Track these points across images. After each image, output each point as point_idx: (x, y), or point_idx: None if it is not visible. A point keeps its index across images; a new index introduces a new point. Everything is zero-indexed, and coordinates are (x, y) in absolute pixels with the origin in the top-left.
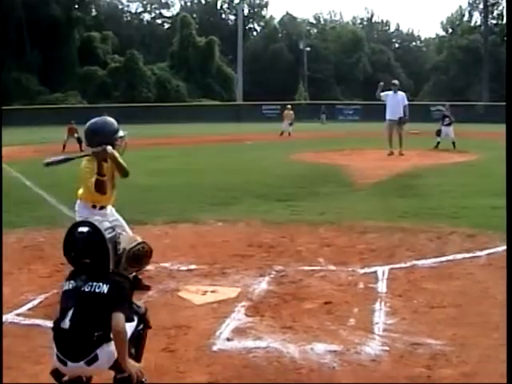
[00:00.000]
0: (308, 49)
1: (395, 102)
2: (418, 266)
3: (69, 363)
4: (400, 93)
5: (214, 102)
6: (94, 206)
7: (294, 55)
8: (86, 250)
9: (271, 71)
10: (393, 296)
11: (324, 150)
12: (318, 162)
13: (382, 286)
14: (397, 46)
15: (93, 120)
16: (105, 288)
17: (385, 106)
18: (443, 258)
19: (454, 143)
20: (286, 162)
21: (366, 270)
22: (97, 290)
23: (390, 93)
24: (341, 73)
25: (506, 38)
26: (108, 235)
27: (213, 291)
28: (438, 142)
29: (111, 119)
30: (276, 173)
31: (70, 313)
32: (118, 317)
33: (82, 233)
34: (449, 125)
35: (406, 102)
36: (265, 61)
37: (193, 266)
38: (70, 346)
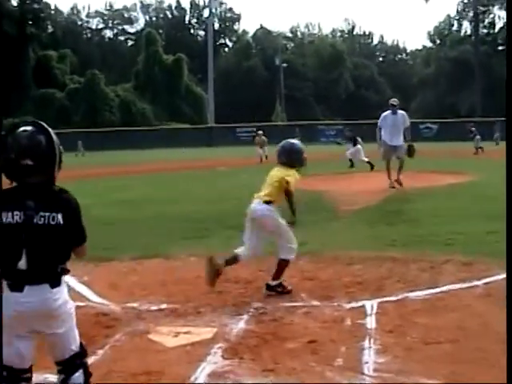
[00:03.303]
0: (284, 65)
1: (395, 123)
2: (410, 299)
3: (27, 287)
4: (400, 112)
5: (183, 125)
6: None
7: (270, 72)
8: (31, 148)
9: (245, 90)
10: (383, 332)
11: (304, 175)
12: (297, 188)
13: (371, 322)
14: (381, 59)
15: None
16: (60, 218)
17: (374, 126)
18: (437, 290)
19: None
20: None
21: (353, 304)
22: (52, 223)
23: (388, 113)
24: (321, 90)
25: (506, 37)
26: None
27: (186, 332)
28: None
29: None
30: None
31: (25, 251)
32: (83, 250)
33: (26, 131)
34: (355, 145)
35: (408, 123)
36: (238, 79)
37: (164, 306)
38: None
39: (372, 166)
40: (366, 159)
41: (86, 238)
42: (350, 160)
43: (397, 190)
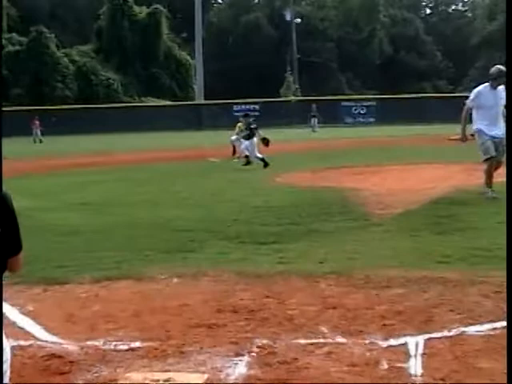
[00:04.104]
0: (298, 21)
1: (496, 103)
2: (469, 335)
3: None
4: (501, 88)
5: (162, 101)
6: None
7: (278, 30)
8: None
9: (245, 55)
10: (433, 380)
11: (324, 167)
12: (315, 185)
13: (415, 366)
14: (428, 11)
15: None
16: None
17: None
18: (504, 323)
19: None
20: (269, 188)
21: (392, 341)
22: None
23: (486, 88)
24: (346, 54)
25: (506, 37)
26: None
27: (167, 380)
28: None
29: None
30: (255, 203)
31: None
32: (18, 261)
33: None
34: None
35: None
36: (235, 40)
37: (137, 344)
38: None
39: (265, 164)
40: (260, 155)
41: (22, 246)
42: (246, 156)
43: (450, 189)
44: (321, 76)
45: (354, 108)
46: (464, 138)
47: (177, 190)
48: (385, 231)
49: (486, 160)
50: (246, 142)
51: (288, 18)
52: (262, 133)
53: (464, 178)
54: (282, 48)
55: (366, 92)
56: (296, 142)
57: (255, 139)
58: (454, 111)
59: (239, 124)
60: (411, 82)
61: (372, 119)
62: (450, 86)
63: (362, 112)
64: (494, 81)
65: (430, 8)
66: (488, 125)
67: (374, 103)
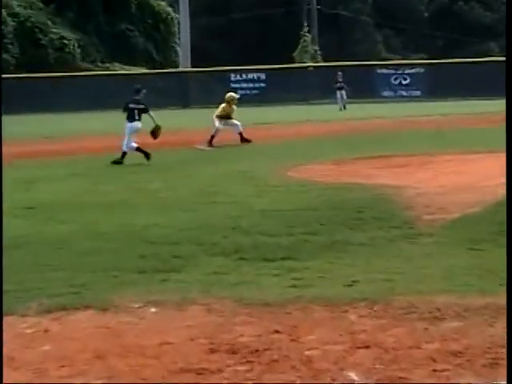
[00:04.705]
0: None
1: None
2: None
3: None
4: None
5: (135, 69)
6: None
7: None
8: None
9: (246, 5)
10: None
11: (353, 158)
12: (341, 181)
13: None
14: None
15: None
16: None
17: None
18: None
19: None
20: (279, 185)
21: None
22: None
23: None
24: (384, 5)
25: (506, 37)
26: None
27: None
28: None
29: None
30: (260, 206)
31: None
32: None
33: None
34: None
35: None
36: None
37: None
38: None
39: (147, 155)
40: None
41: None
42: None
43: None
44: (349, 34)
45: (393, 77)
46: None
47: (154, 189)
48: (435, 243)
49: None
50: (128, 125)
51: None
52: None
53: None
54: None
55: (411, 56)
56: (315, 123)
57: (139, 124)
58: None
59: (223, 105)
60: (472, 41)
61: (418, 92)
62: None
63: (404, 82)
64: None
65: None
66: None
67: (421, 70)
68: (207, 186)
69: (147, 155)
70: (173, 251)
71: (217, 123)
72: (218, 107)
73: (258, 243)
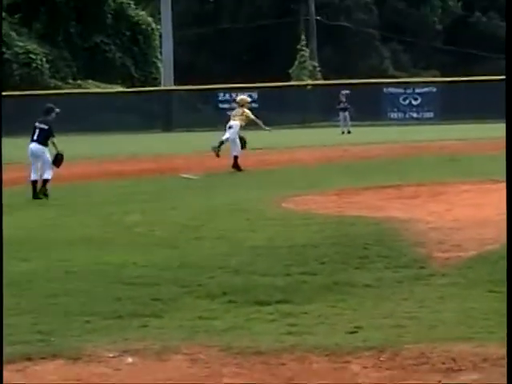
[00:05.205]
0: None
1: None
2: None
3: None
4: None
5: (112, 87)
6: None
7: None
8: None
9: (236, 16)
10: None
11: (357, 187)
12: (343, 214)
13: None
14: None
15: None
16: None
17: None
18: None
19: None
20: (273, 218)
21: None
22: None
23: None
24: (392, 17)
25: (506, 37)
26: None
27: None
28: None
29: None
30: (251, 242)
31: None
32: None
33: None
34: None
35: None
36: None
37: None
38: None
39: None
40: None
41: None
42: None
43: None
44: (352, 49)
45: (403, 97)
46: None
47: (131, 222)
48: (449, 284)
49: None
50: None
51: None
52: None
53: None
54: (292, 5)
55: (422, 73)
56: (315, 148)
57: (35, 146)
58: None
59: (239, 111)
60: (491, 57)
61: (430, 113)
62: None
63: (414, 103)
64: None
65: None
66: None
67: (433, 89)
68: (191, 219)
69: (35, 194)
70: (152, 293)
71: (230, 134)
72: (233, 119)
73: (250, 284)
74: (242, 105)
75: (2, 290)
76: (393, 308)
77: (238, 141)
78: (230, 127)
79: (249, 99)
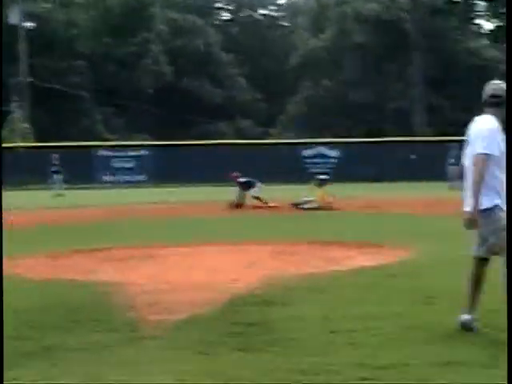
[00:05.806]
0: (29, 25)
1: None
2: None
3: None
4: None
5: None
6: None
7: None
8: None
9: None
10: None
11: (69, 250)
12: (54, 277)
13: None
14: (226, 17)
15: None
16: None
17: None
18: None
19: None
20: None
21: None
22: None
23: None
24: (104, 79)
25: (506, 37)
26: None
27: None
28: None
29: None
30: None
31: None
32: None
33: None
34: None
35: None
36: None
37: None
38: None
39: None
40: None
41: None
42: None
43: (259, 281)
44: (65, 112)
45: (115, 160)
46: (473, 217)
47: None
48: (163, 348)
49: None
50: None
51: (13, 20)
52: None
53: (277, 266)
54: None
55: (135, 136)
56: (28, 210)
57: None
58: (266, 164)
59: None
60: (203, 121)
61: (143, 176)
62: (259, 127)
63: (127, 166)
64: (500, 106)
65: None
66: (499, 193)
67: (146, 152)
68: None
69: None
70: None
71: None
72: None
73: None
74: None
75: (2, 290)
76: (107, 372)
77: None
78: None
79: None
